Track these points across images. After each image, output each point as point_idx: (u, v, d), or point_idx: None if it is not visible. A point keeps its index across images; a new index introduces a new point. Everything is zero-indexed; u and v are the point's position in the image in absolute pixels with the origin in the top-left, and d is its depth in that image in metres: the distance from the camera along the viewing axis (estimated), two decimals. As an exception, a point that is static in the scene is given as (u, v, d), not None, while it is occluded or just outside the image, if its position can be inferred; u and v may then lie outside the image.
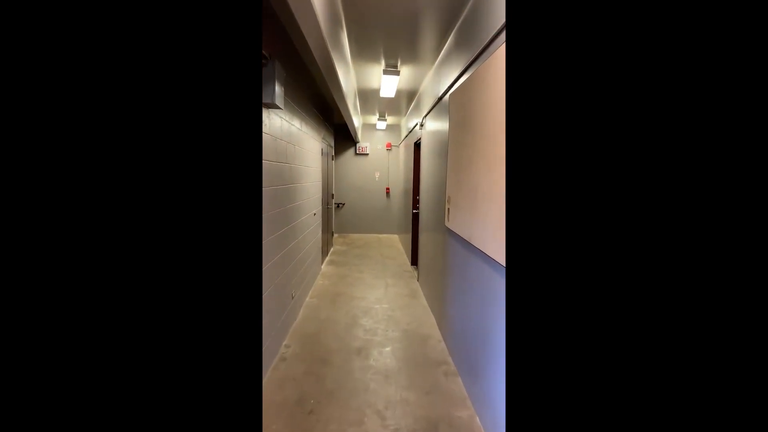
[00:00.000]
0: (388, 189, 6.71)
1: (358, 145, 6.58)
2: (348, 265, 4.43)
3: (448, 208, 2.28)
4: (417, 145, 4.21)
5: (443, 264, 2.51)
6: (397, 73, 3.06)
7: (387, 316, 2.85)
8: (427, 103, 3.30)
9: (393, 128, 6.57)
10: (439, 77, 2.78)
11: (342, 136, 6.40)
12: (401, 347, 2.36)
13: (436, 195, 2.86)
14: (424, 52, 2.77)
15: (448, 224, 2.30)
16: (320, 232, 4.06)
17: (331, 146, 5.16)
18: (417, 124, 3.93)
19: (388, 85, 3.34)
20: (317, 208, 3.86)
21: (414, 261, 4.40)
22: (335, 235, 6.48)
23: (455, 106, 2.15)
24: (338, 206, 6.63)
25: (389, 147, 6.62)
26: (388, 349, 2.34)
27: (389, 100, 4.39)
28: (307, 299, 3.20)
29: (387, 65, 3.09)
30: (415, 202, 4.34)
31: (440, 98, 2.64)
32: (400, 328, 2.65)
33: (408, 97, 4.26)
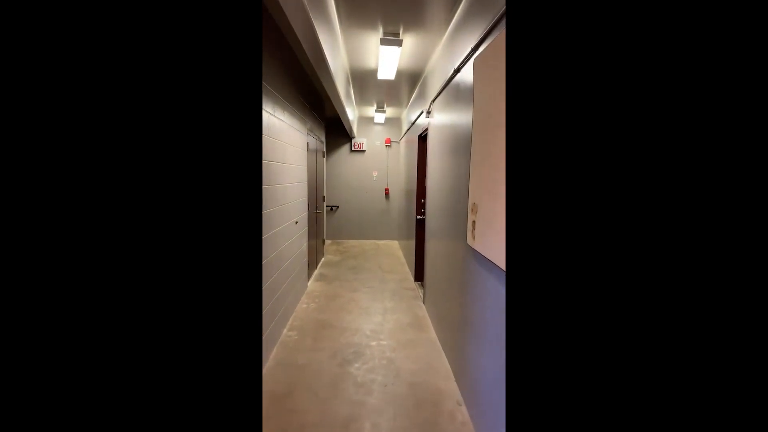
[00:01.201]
0: (387, 190, 6.03)
1: (353, 140, 5.90)
2: (340, 281, 3.76)
3: (473, 221, 1.61)
4: (422, 139, 3.54)
5: (463, 294, 1.84)
6: (399, 43, 2.38)
7: (386, 360, 2.17)
8: (436, 84, 2.62)
9: (393, 122, 5.89)
10: (454, 47, 2.11)
11: (335, 131, 5.71)
12: (405, 415, 1.69)
13: (449, 200, 2.18)
14: (433, 14, 2.10)
15: (472, 243, 1.63)
16: (306, 243, 3.39)
17: (321, 141, 4.48)
18: (422, 113, 3.25)
19: (387, 61, 2.66)
20: (302, 213, 3.18)
21: (418, 276, 3.72)
22: (328, 242, 5.80)
23: (483, 77, 1.48)
24: (331, 209, 5.95)
25: (388, 143, 5.95)
26: (387, 418, 1.67)
27: (389, 85, 3.71)
28: (284, 332, 2.52)
29: (386, 33, 2.41)
30: (420, 206, 3.67)
31: (457, 70, 1.96)
32: (403, 378, 1.98)
33: (411, 82, 3.58)
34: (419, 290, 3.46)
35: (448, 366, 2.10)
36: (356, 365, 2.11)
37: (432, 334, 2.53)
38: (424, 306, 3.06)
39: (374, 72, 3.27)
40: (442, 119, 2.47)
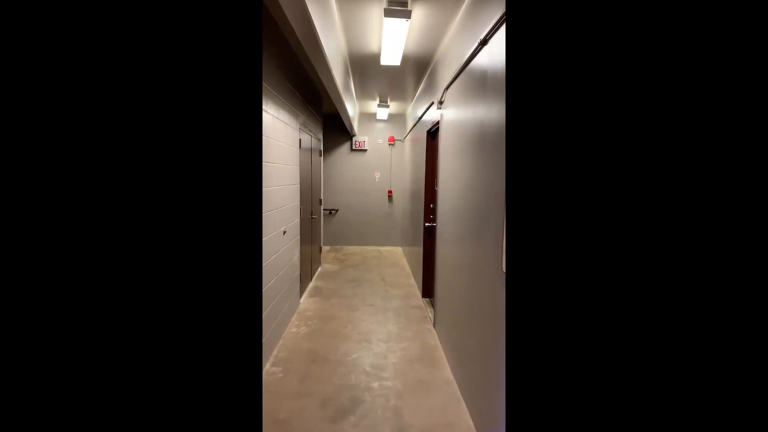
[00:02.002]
0: (390, 192, 5.59)
1: (354, 139, 5.46)
2: (337, 297, 3.31)
3: (513, 243, 1.16)
4: (431, 135, 3.09)
5: (493, 332, 1.39)
6: (407, 14, 1.94)
7: (391, 411, 1.72)
8: (452, 67, 2.17)
9: (396, 118, 5.44)
10: (478, 13, 1.66)
11: (334, 129, 5.28)
12: (419, 504, 1.24)
13: (471, 210, 1.73)
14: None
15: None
16: (297, 254, 2.95)
17: (318, 139, 4.04)
18: (432, 104, 2.81)
19: (392, 39, 2.22)
20: (293, 221, 2.74)
21: (427, 292, 3.27)
22: (326, 249, 5.36)
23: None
24: (330, 213, 5.51)
25: (392, 141, 5.50)
26: None
27: (393, 73, 3.27)
28: (267, 368, 2.07)
29: (391, 1, 1.97)
30: (429, 212, 3.22)
31: (483, 42, 1.52)
32: (413, 440, 1.53)
33: (418, 71, 3.14)
34: (428, 309, 3.01)
35: (470, 421, 1.65)
36: (352, 419, 1.66)
37: (447, 371, 2.08)
38: (434, 330, 2.61)
39: (377, 57, 2.82)
40: (458, 110, 2.02)
